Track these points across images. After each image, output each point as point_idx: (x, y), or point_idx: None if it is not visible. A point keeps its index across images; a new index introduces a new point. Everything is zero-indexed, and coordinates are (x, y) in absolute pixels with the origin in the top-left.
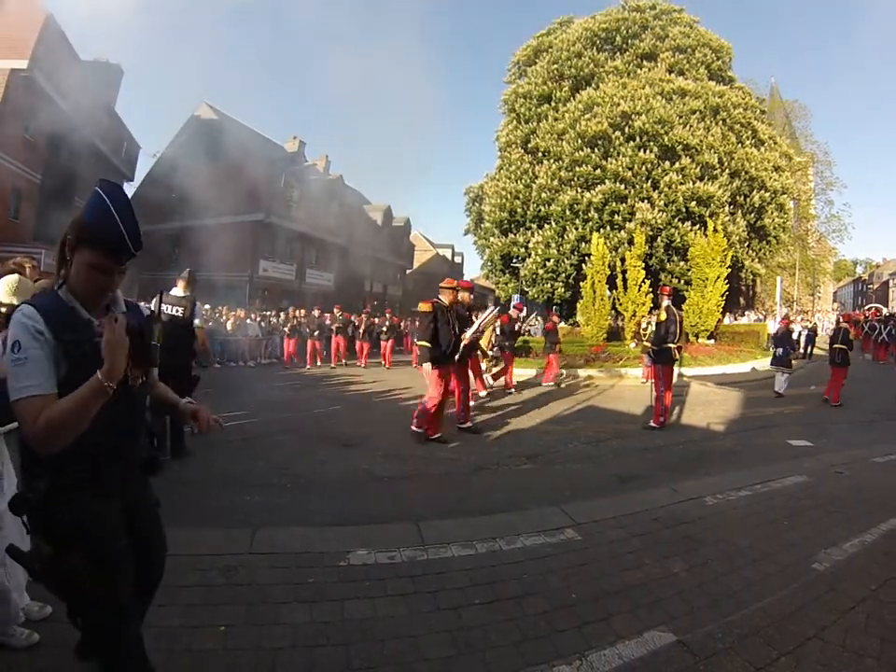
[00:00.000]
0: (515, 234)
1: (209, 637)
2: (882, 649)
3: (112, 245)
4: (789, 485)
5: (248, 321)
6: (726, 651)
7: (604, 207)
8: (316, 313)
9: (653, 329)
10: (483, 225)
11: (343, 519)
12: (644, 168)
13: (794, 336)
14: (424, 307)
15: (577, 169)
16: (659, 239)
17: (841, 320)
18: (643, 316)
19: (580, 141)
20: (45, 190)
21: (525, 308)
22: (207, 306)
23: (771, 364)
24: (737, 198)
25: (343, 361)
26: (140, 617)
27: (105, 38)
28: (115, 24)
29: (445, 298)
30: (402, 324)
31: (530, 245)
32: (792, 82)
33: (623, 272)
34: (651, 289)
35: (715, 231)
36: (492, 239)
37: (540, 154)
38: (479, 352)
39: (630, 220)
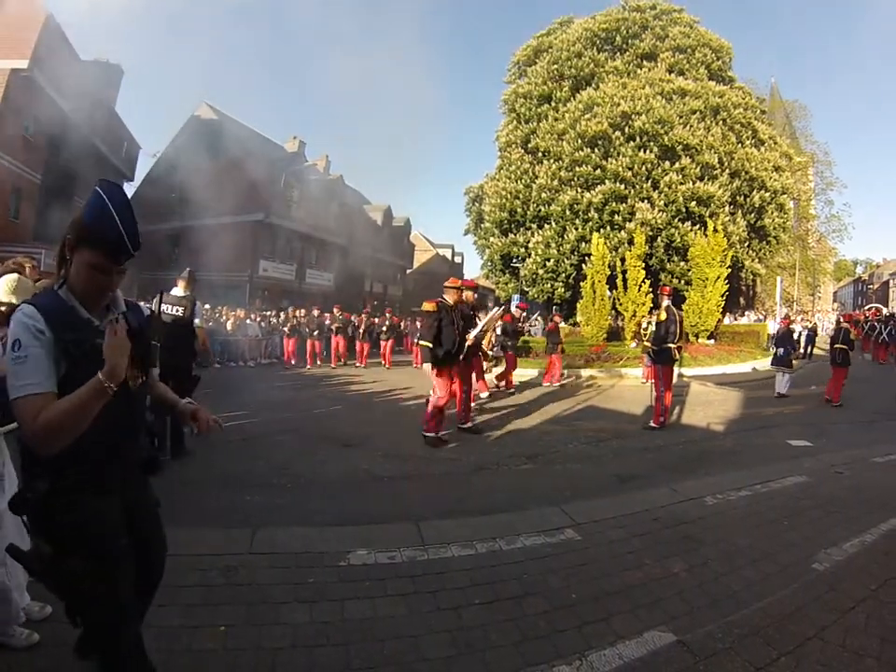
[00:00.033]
0: (515, 234)
1: (209, 636)
2: (882, 649)
3: (111, 245)
4: (789, 485)
5: (248, 321)
6: (726, 650)
7: (604, 207)
8: (316, 312)
9: (653, 328)
10: (483, 225)
11: (343, 519)
12: (644, 168)
13: (794, 336)
14: (428, 307)
15: (577, 169)
16: (659, 239)
17: (841, 320)
18: (643, 316)
19: (580, 141)
20: (45, 190)
21: (528, 307)
22: (207, 306)
23: (772, 364)
24: (737, 198)
25: (343, 361)
26: (140, 617)
27: (105, 38)
28: (115, 24)
29: (450, 297)
30: (402, 324)
31: (530, 245)
32: (792, 82)
33: (623, 272)
34: (651, 289)
35: (715, 231)
36: (492, 239)
37: (540, 154)
38: (479, 352)
39: (630, 220)
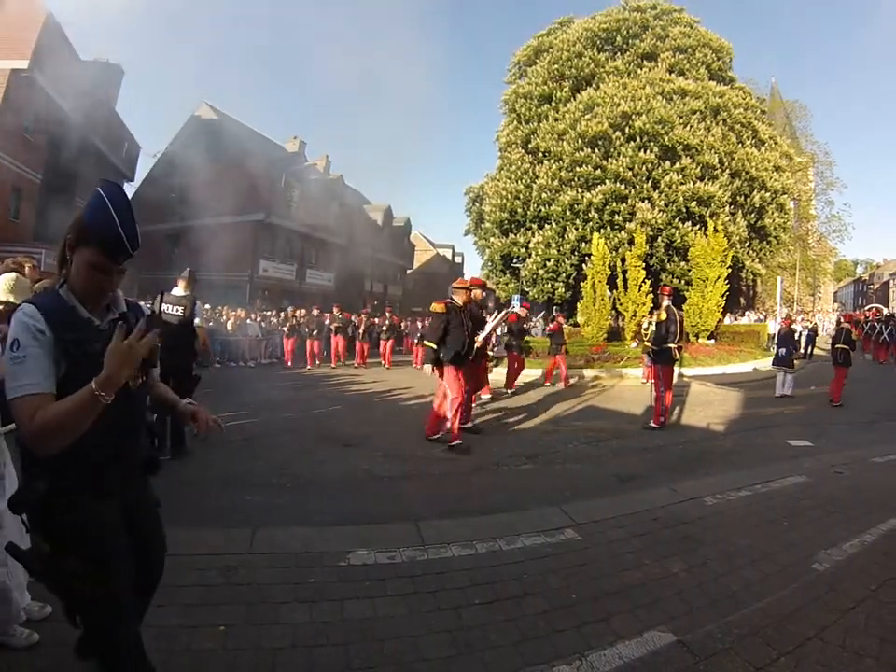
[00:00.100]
0: (515, 234)
1: (209, 636)
2: (881, 649)
3: (110, 245)
4: (788, 485)
5: (248, 321)
6: (726, 651)
7: (604, 207)
8: (315, 312)
9: (654, 329)
10: (483, 225)
11: (342, 519)
12: (644, 168)
13: (795, 336)
14: (437, 308)
15: (577, 169)
16: (659, 239)
17: (842, 320)
18: (643, 316)
19: (580, 141)
20: (45, 190)
21: (531, 307)
22: (207, 306)
23: (773, 364)
24: (738, 198)
25: (342, 361)
26: (139, 617)
27: (105, 38)
28: (115, 24)
29: (459, 298)
30: (403, 324)
31: (530, 245)
32: (792, 82)
33: (624, 272)
34: (651, 289)
35: (715, 231)
36: (492, 239)
37: (541, 154)
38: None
39: (630, 220)
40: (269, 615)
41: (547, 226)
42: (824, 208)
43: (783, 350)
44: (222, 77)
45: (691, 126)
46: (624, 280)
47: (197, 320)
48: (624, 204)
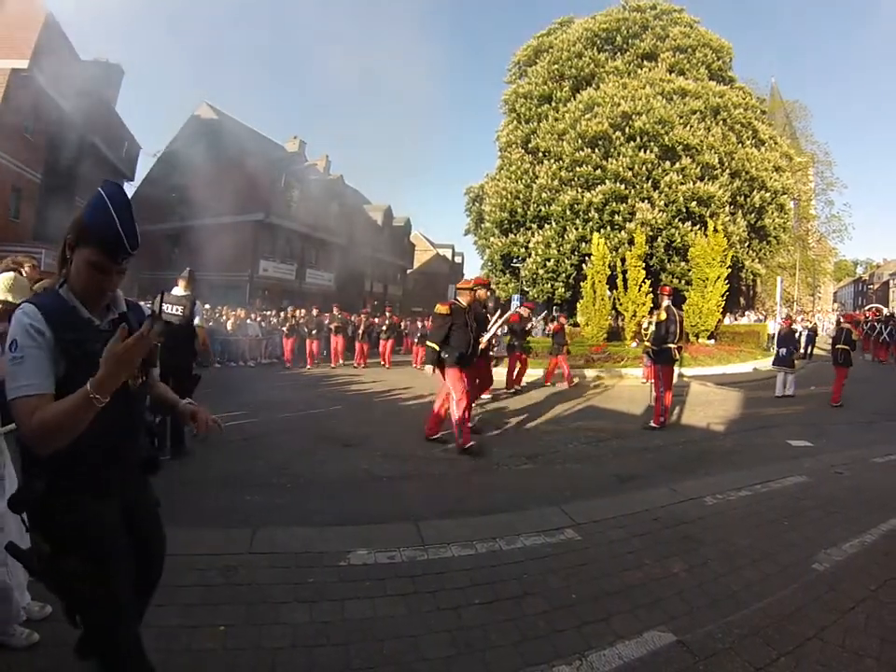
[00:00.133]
0: (515, 234)
1: (209, 636)
2: (882, 649)
3: (109, 244)
4: (788, 486)
5: (248, 321)
6: (726, 651)
7: (604, 207)
8: (315, 311)
9: (653, 329)
10: (483, 225)
11: (342, 519)
12: (644, 168)
13: (796, 336)
14: (441, 309)
15: (577, 169)
16: (659, 239)
17: (842, 321)
18: (643, 316)
19: (580, 141)
20: (45, 190)
21: (535, 307)
22: (207, 306)
23: (773, 364)
24: (738, 198)
25: (341, 362)
26: (139, 617)
27: (105, 38)
28: (115, 24)
29: (463, 299)
30: (403, 324)
31: (530, 245)
32: (792, 82)
33: (624, 272)
34: (651, 289)
35: (715, 231)
36: (492, 239)
37: (541, 154)
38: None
39: (630, 220)
40: (269, 615)
41: (547, 226)
42: (824, 208)
43: (784, 350)
44: (222, 76)
45: (691, 126)
46: (624, 280)
47: (196, 320)
48: (624, 204)
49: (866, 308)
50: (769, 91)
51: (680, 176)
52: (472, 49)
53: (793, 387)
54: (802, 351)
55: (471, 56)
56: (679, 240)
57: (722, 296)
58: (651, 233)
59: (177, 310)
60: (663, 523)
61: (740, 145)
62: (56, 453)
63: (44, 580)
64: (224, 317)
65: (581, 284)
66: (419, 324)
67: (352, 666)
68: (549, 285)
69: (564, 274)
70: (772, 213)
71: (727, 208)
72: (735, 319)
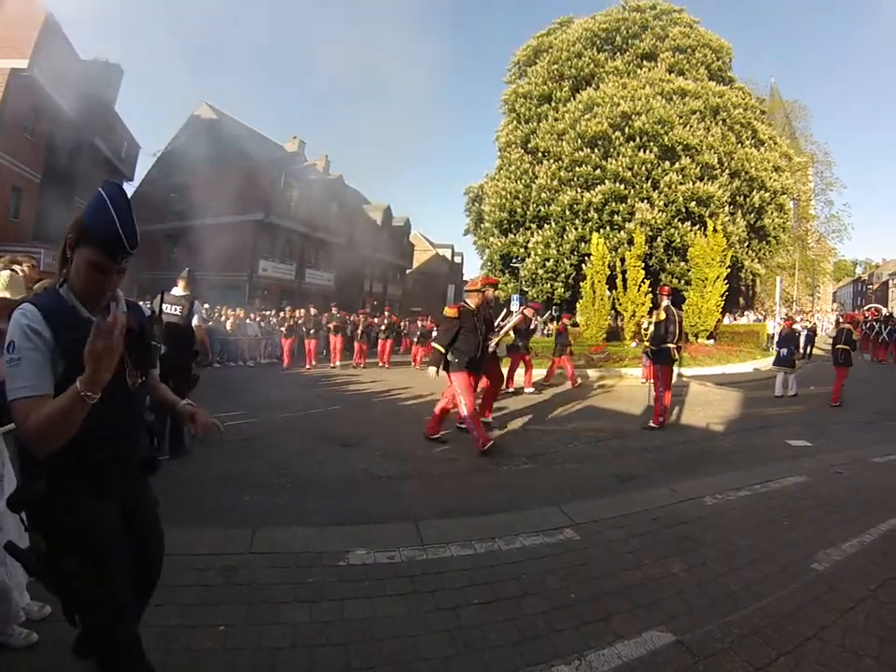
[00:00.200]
0: (515, 234)
1: (208, 636)
2: (881, 649)
3: (109, 243)
4: (788, 486)
5: (248, 321)
6: (725, 651)
7: (604, 207)
8: (313, 311)
9: (653, 328)
10: (482, 225)
11: (342, 519)
12: (644, 168)
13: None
14: (450, 312)
15: (577, 169)
16: (659, 239)
17: (842, 321)
18: (643, 316)
19: (580, 141)
20: (45, 190)
21: (539, 308)
22: (206, 305)
23: (774, 364)
24: (737, 198)
25: (339, 363)
26: (138, 616)
27: (105, 37)
28: (115, 23)
29: (472, 301)
30: (402, 324)
31: (530, 245)
32: (792, 82)
33: (623, 272)
34: (650, 289)
35: (715, 231)
36: (492, 239)
37: (540, 154)
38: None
39: (630, 220)
40: (269, 615)
41: (546, 226)
42: (823, 208)
43: (785, 350)
44: (222, 76)
45: (690, 126)
46: (624, 280)
47: (195, 320)
48: (624, 204)
49: (865, 308)
50: (769, 91)
51: (680, 176)
52: (472, 48)
53: (796, 387)
54: (801, 351)
55: (471, 56)
56: (678, 240)
57: (722, 296)
58: (650, 233)
59: (176, 310)
60: (662, 523)
61: (740, 145)
62: (56, 453)
63: (43, 579)
64: (223, 317)
65: (581, 284)
66: (418, 324)
67: (351, 666)
68: (548, 285)
69: (563, 274)
70: (771, 213)
71: (726, 208)
72: (735, 319)
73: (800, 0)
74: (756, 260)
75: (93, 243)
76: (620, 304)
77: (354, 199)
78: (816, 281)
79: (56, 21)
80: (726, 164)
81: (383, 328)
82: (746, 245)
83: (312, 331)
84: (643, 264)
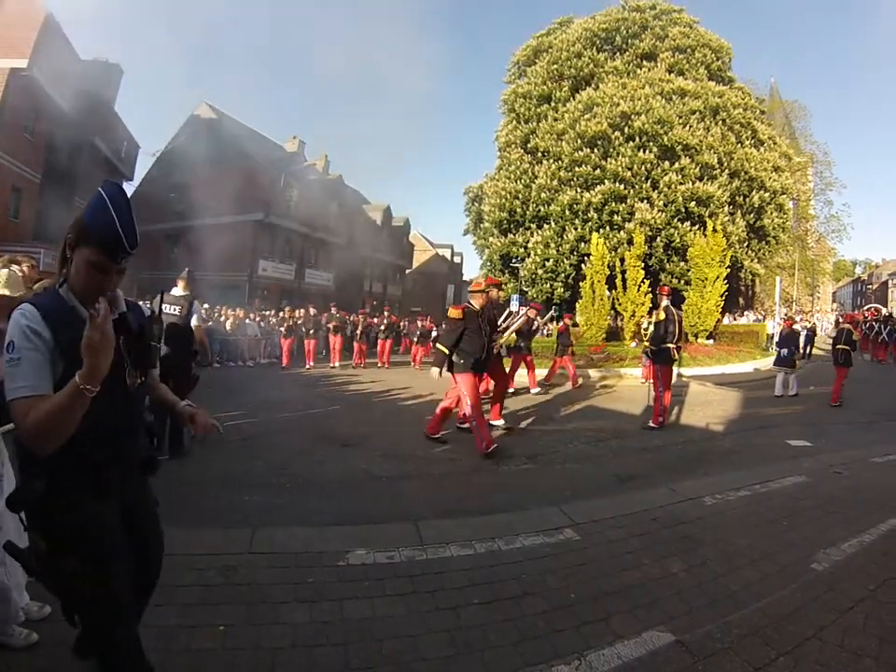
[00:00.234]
0: (514, 234)
1: (208, 636)
2: (880, 649)
3: (108, 243)
4: (788, 486)
5: (248, 321)
6: (725, 651)
7: (603, 207)
8: (313, 311)
9: (652, 328)
10: (482, 225)
11: (341, 519)
12: (644, 168)
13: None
14: (454, 314)
15: (576, 169)
16: (658, 239)
17: (842, 321)
18: (642, 316)
19: (579, 141)
20: (45, 190)
21: (542, 308)
22: (206, 305)
23: (775, 364)
24: (737, 198)
25: (338, 363)
26: (138, 616)
27: (105, 37)
28: (115, 23)
29: (476, 302)
30: (402, 324)
31: (529, 245)
32: (792, 82)
33: (623, 272)
34: (650, 289)
35: (714, 231)
36: (491, 239)
37: (540, 154)
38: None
39: (629, 220)
40: (268, 615)
41: (546, 226)
42: (823, 208)
43: (785, 350)
44: (221, 76)
45: (690, 126)
46: (623, 280)
47: (194, 320)
48: (623, 204)
49: (865, 308)
50: (768, 91)
51: (679, 176)
52: (472, 48)
53: (796, 386)
54: (801, 351)
55: (471, 56)
56: (678, 240)
57: (721, 296)
58: (650, 233)
59: (175, 310)
60: (662, 523)
61: (739, 145)
62: (56, 452)
63: (43, 579)
64: (223, 317)
65: (580, 284)
66: (418, 324)
67: (351, 666)
68: (548, 285)
69: (563, 274)
70: (771, 213)
71: (726, 208)
72: (734, 319)
73: (800, 0)
74: (756, 260)
75: (93, 243)
76: (619, 304)
77: (353, 199)
78: (815, 281)
79: (56, 21)
80: (726, 164)
81: (382, 328)
82: (745, 245)
83: (311, 331)
84: (643, 264)
